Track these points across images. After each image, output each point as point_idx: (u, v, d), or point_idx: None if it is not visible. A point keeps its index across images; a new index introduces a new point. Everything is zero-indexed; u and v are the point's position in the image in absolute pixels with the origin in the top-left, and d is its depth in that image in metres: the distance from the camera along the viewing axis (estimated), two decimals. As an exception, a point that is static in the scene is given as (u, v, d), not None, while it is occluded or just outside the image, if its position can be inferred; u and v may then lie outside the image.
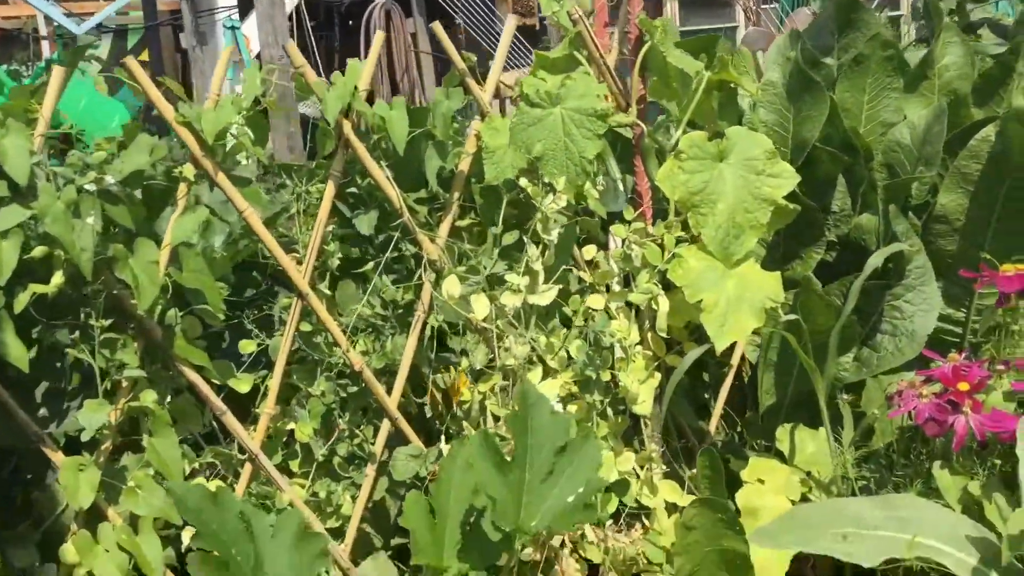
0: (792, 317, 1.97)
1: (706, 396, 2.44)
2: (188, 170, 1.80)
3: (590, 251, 2.01)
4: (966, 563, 1.58)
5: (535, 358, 1.87)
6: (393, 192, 1.91)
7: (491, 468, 1.53)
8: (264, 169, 2.04)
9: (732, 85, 2.17)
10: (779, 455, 2.17)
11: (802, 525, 1.65)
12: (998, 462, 1.76)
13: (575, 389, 1.93)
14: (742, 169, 1.94)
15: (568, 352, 1.95)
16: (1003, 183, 2.19)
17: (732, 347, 2.38)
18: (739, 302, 1.85)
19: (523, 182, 1.81)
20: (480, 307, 1.77)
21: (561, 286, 1.85)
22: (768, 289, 1.89)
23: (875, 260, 1.98)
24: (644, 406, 1.93)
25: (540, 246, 1.81)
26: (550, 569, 2.01)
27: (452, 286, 1.79)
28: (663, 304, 1.93)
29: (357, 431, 2.04)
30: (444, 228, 1.98)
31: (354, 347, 2.04)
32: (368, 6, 8.35)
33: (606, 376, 1.87)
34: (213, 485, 1.93)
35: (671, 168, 1.92)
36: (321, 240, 1.92)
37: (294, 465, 2.08)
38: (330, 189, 1.90)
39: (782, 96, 2.40)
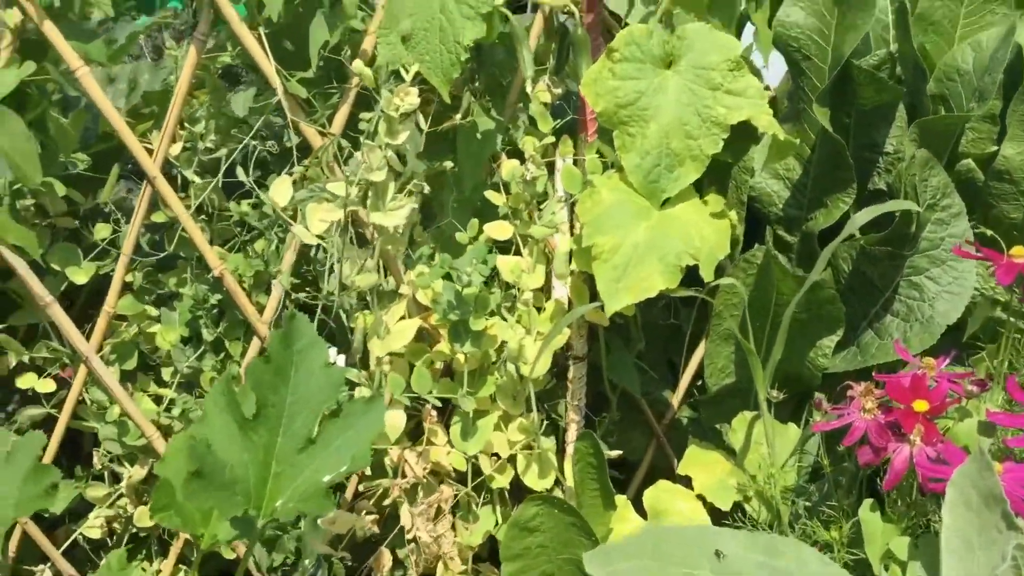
0: (727, 281, 1.51)
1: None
2: (10, 16, 1.53)
3: (508, 168, 1.61)
4: (842, 653, 1.15)
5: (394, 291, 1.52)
6: (267, 64, 1.58)
7: (230, 423, 1.22)
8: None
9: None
10: (732, 450, 1.74)
11: (651, 552, 1.25)
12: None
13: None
14: (692, 80, 1.47)
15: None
16: (1091, 135, 1.61)
17: (704, 304, 1.95)
18: (648, 252, 1.42)
19: (357, 65, 1.43)
20: (314, 220, 1.43)
21: (413, 205, 1.47)
22: (697, 238, 1.45)
23: (861, 218, 1.49)
24: (536, 368, 1.55)
25: (385, 150, 1.42)
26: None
27: (280, 191, 1.46)
28: (562, 243, 1.52)
29: (226, 346, 1.77)
30: (338, 119, 1.62)
31: (241, 251, 1.76)
32: None
33: (479, 324, 1.50)
34: (44, 385, 1.73)
35: (600, 70, 1.49)
36: (179, 117, 1.62)
37: (167, 374, 1.84)
38: (192, 56, 1.59)
39: (826, -5, 1.87)
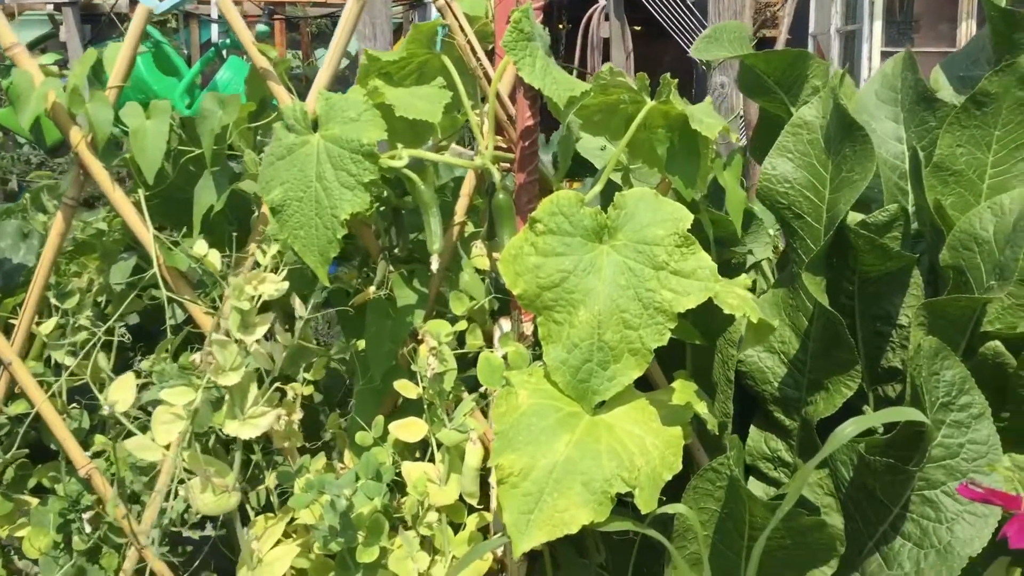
0: (678, 509, 1.19)
1: None
2: None
3: (421, 355, 1.33)
4: None
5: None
6: (142, 230, 1.35)
7: None
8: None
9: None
10: None
11: None
12: None
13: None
14: (632, 257, 1.20)
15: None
16: None
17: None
18: (568, 477, 1.12)
19: (200, 247, 1.19)
20: (159, 429, 1.17)
21: (280, 412, 1.20)
22: (638, 454, 1.15)
23: (850, 430, 1.17)
24: (441, 607, 1.24)
25: (237, 348, 1.16)
26: None
27: (119, 392, 1.20)
28: (471, 455, 1.23)
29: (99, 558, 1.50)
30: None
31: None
32: (588, 8, 7.88)
33: (369, 555, 1.21)
34: None
35: (521, 244, 1.22)
36: (41, 293, 1.39)
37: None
38: (59, 223, 1.37)
39: (819, 145, 1.60)
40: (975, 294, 1.41)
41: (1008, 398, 1.45)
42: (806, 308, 1.64)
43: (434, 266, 1.26)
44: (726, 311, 1.28)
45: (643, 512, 1.13)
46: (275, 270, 1.19)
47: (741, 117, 4.95)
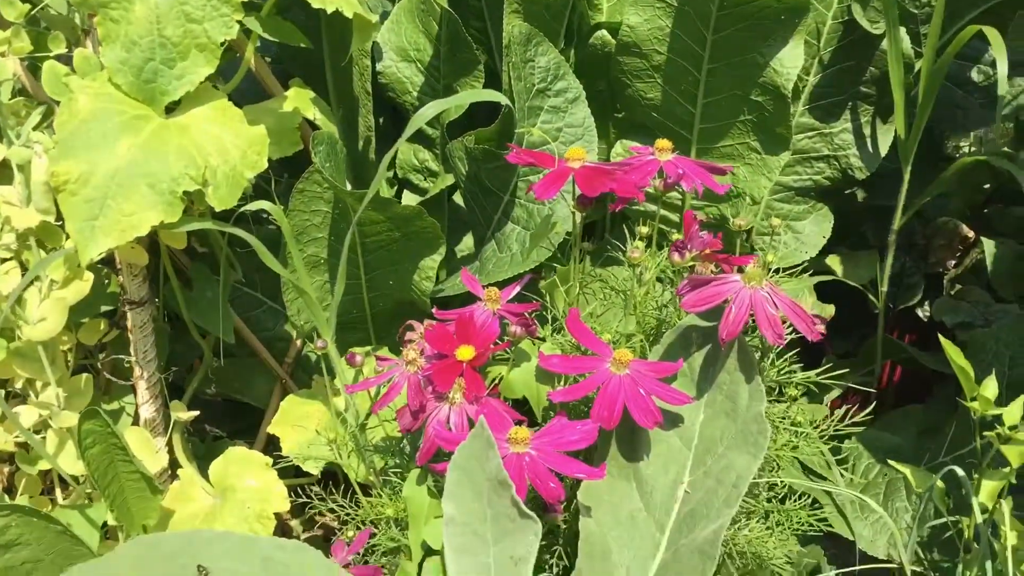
0: (263, 205, 1.19)
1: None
2: None
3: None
4: None
5: None
6: None
7: None
8: None
9: None
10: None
11: (129, 569, 0.97)
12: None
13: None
14: (193, -57, 1.12)
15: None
16: (715, -8, 1.35)
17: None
18: (133, 179, 1.08)
19: None
20: None
21: None
22: (214, 154, 1.12)
23: (429, 112, 1.18)
24: (40, 328, 1.21)
25: None
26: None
27: None
28: (38, 169, 1.16)
29: None
30: None
31: None
32: None
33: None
34: None
35: (63, -66, 1.11)
36: None
37: None
38: None
39: None
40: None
41: (614, 86, 1.51)
42: (435, 12, 1.62)
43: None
44: (315, 5, 1.24)
45: (217, 209, 1.12)
46: None
47: None
